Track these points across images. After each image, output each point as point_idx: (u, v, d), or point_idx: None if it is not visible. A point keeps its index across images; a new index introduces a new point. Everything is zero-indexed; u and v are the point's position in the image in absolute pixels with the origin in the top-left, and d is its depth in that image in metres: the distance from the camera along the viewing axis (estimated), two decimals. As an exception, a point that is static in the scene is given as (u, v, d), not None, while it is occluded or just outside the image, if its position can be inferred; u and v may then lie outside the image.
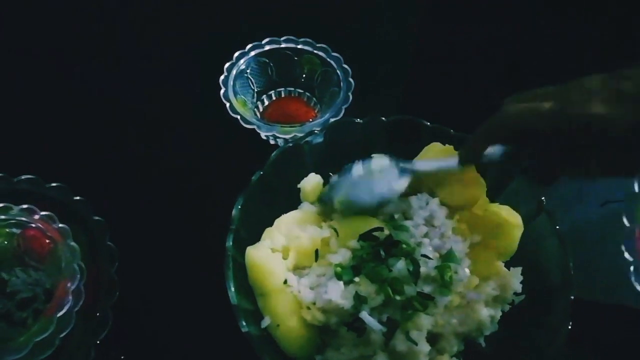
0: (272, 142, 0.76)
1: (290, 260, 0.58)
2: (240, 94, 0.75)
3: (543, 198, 0.60)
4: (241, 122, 0.71)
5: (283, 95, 0.82)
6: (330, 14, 0.89)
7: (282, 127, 0.70)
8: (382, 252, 0.54)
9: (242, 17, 0.89)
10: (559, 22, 0.86)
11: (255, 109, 0.79)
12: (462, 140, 0.64)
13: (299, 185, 0.64)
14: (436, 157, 0.61)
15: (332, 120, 0.71)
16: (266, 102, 0.81)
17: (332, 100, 0.74)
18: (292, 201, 0.64)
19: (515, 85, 0.81)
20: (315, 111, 0.79)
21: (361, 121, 0.65)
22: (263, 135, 0.74)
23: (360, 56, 0.79)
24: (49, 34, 0.85)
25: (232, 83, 0.74)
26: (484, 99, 0.76)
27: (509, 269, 0.60)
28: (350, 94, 0.73)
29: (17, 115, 0.77)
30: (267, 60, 0.78)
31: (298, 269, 0.59)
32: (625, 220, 0.52)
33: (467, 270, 0.57)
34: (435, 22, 0.92)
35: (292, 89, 0.81)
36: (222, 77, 0.74)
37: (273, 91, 0.81)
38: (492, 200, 0.63)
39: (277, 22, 0.84)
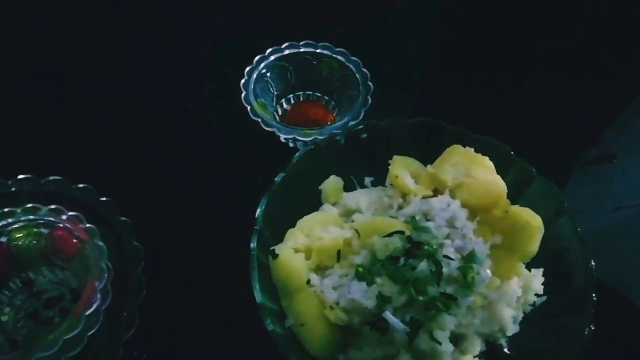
0: (291, 144, 0.77)
1: (312, 261, 0.59)
2: (260, 98, 0.76)
3: (564, 200, 0.61)
4: (262, 125, 0.72)
5: (302, 99, 0.82)
6: (348, 19, 0.90)
7: (302, 130, 0.71)
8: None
9: (262, 22, 0.90)
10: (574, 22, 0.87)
11: (275, 113, 0.80)
12: (482, 142, 0.65)
13: (320, 187, 0.65)
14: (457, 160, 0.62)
15: (351, 123, 0.72)
16: (285, 106, 0.82)
17: (351, 104, 0.75)
18: (314, 202, 0.65)
19: (532, 87, 0.82)
20: (334, 114, 0.80)
21: (382, 123, 0.66)
22: (283, 138, 0.75)
23: (379, 59, 0.80)
24: (75, 37, 0.87)
25: (252, 87, 0.75)
26: (502, 101, 0.77)
27: (530, 271, 0.60)
28: (369, 97, 0.74)
29: (45, 119, 0.78)
30: (287, 64, 0.79)
31: (321, 269, 0.59)
32: None
33: (488, 271, 0.57)
34: (452, 24, 0.92)
35: (311, 92, 0.82)
36: (242, 81, 0.75)
37: (292, 95, 0.82)
38: (513, 202, 0.63)
39: (296, 27, 0.84)
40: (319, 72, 0.80)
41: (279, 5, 0.90)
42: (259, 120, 0.72)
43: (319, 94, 0.82)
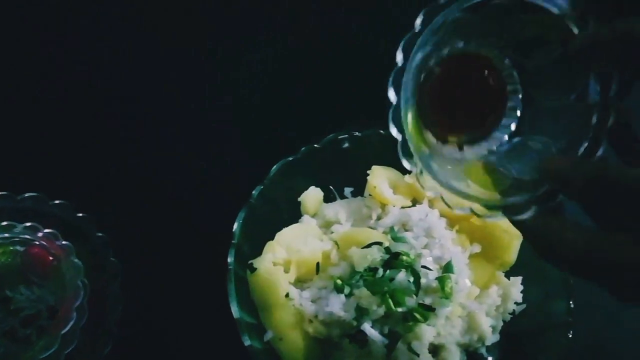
0: None
1: (291, 274, 0.58)
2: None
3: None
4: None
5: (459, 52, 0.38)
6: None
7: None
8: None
9: (262, 21, 0.89)
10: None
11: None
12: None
13: (299, 199, 0.65)
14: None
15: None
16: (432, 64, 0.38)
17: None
18: (293, 214, 0.65)
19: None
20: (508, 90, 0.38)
21: (360, 134, 0.66)
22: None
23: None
24: (63, 43, 0.85)
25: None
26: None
27: (509, 279, 0.60)
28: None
29: (20, 133, 0.77)
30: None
31: (300, 282, 0.59)
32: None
33: (467, 281, 0.57)
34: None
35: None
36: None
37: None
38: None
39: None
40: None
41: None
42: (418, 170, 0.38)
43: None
